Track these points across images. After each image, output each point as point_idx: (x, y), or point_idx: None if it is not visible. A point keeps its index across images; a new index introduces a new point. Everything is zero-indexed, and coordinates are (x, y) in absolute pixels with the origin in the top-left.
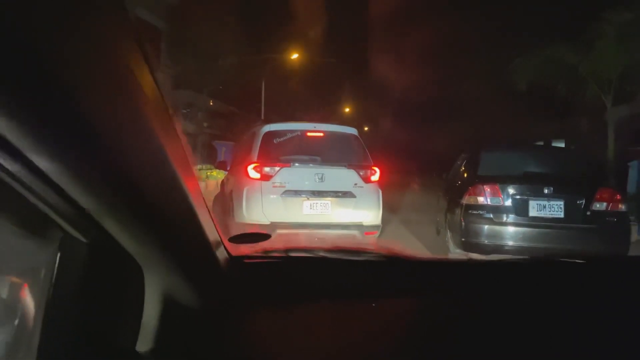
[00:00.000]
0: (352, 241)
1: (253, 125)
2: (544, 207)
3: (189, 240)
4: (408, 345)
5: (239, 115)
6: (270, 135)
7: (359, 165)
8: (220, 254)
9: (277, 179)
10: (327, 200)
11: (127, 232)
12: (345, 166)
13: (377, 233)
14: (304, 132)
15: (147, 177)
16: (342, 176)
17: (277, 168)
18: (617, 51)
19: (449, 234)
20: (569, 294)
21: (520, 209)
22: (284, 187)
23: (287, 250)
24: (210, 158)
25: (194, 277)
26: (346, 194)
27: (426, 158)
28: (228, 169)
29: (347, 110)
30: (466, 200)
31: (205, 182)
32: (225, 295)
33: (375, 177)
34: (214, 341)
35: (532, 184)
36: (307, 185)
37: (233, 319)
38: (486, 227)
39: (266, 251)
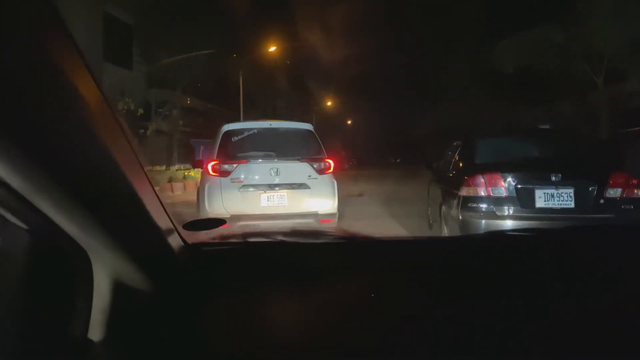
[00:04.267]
0: (310, 225)
1: (219, 125)
2: (552, 196)
3: (134, 225)
4: (368, 323)
5: (219, 113)
6: (230, 134)
7: (313, 158)
8: (174, 241)
9: (235, 175)
10: (284, 192)
11: (66, 214)
12: (298, 160)
13: (334, 221)
14: (260, 129)
15: (83, 161)
16: (296, 169)
17: (234, 165)
18: (611, 27)
19: (445, 229)
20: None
21: (526, 199)
22: (242, 182)
23: (245, 235)
24: (188, 157)
25: (144, 264)
26: (301, 186)
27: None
28: (204, 167)
29: (329, 104)
30: (464, 192)
31: (183, 182)
32: (182, 282)
33: (329, 169)
34: (171, 328)
35: (537, 171)
36: (264, 179)
37: (191, 305)
38: (487, 221)
39: (224, 238)
